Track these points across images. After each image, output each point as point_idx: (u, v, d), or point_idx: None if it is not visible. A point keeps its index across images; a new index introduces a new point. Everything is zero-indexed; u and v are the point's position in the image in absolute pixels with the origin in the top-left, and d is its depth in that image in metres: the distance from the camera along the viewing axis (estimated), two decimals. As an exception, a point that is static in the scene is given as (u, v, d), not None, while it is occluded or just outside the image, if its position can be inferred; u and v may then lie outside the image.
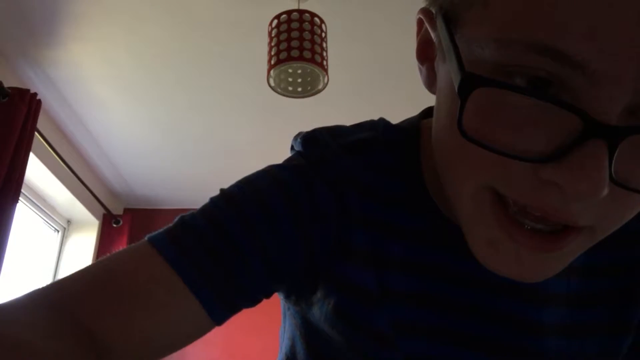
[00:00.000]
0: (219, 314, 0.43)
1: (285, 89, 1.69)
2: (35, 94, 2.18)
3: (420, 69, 0.42)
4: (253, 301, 0.46)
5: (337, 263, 0.47)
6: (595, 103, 0.28)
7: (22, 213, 2.76)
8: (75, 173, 2.76)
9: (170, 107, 2.58)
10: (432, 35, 0.39)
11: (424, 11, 0.39)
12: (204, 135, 2.82)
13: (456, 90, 0.31)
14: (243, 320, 3.78)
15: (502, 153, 0.30)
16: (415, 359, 0.47)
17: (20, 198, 2.15)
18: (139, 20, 2.01)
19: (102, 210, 3.24)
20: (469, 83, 0.30)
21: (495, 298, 0.46)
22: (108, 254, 0.43)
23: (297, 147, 0.50)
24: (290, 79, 1.70)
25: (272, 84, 1.64)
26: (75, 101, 2.50)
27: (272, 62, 1.59)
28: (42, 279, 3.01)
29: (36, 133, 2.26)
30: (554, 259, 0.35)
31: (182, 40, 2.12)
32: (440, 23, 0.35)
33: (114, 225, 3.27)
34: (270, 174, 0.47)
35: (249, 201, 0.45)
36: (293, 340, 0.56)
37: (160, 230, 0.44)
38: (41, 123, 2.33)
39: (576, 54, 0.27)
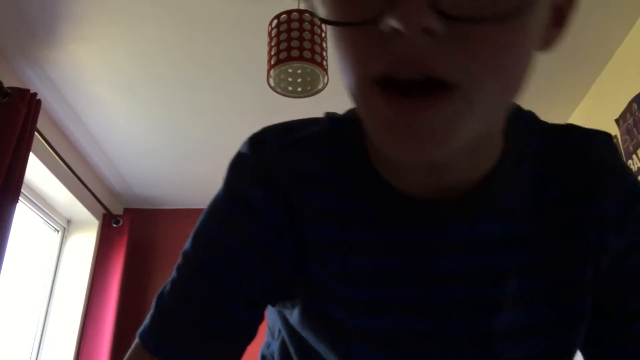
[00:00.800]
0: None
1: (285, 89, 1.69)
2: (35, 94, 2.18)
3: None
4: (249, 337, 0.49)
5: (303, 265, 0.49)
6: None
7: (22, 213, 2.76)
8: (75, 173, 2.76)
9: (170, 107, 2.58)
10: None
11: None
12: (204, 135, 2.82)
13: None
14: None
15: (347, 23, 0.34)
16: (376, 338, 0.48)
17: (20, 198, 2.15)
18: (139, 20, 2.01)
19: (102, 210, 3.24)
20: None
21: (454, 259, 0.47)
22: None
23: (244, 149, 0.51)
24: (290, 79, 1.70)
25: (272, 84, 1.64)
26: (75, 101, 2.50)
27: (272, 62, 1.59)
28: (42, 279, 3.01)
29: (36, 133, 2.26)
30: (439, 127, 0.35)
31: (182, 40, 2.12)
32: None
33: (114, 225, 3.27)
34: (215, 213, 0.50)
35: (207, 257, 0.48)
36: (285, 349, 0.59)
37: (146, 321, 0.49)
38: (41, 123, 2.33)
39: None
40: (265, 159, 0.49)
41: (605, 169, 0.49)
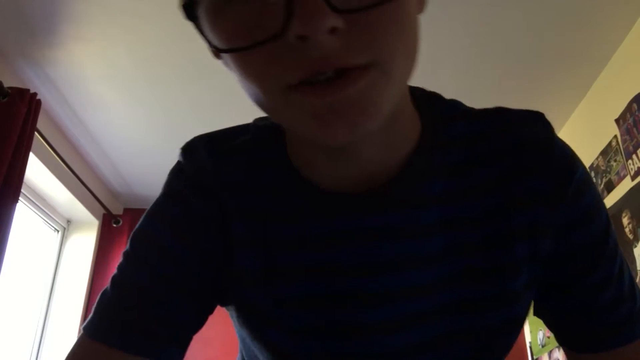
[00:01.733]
0: (169, 353, 0.49)
1: (285, 89, 1.69)
2: (35, 94, 2.18)
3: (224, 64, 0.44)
4: (194, 326, 0.52)
5: (231, 262, 0.52)
6: None
7: (22, 213, 2.76)
8: (75, 173, 2.76)
9: (170, 107, 2.58)
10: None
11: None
12: (204, 135, 2.82)
13: (185, 17, 0.37)
14: (243, 320, 3.73)
15: (258, 43, 0.35)
16: (299, 331, 0.50)
17: (20, 198, 2.15)
18: (140, 20, 2.01)
19: (102, 210, 3.24)
20: (188, 6, 0.37)
21: (377, 248, 0.49)
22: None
23: (179, 157, 0.56)
24: (290, 79, 1.70)
25: (272, 84, 1.64)
26: (75, 101, 2.50)
27: (272, 62, 1.59)
28: (42, 279, 3.01)
29: (36, 133, 2.26)
30: (363, 98, 0.37)
31: (183, 40, 2.11)
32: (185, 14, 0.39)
33: (114, 225, 3.27)
34: (152, 213, 0.55)
35: (144, 251, 0.52)
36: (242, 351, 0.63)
37: (91, 316, 0.51)
38: (41, 123, 2.33)
39: None
40: (196, 164, 0.54)
41: (536, 146, 0.50)
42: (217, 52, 0.41)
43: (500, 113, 0.52)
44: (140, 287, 0.50)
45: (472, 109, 0.53)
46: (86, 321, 0.50)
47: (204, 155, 0.53)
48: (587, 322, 0.52)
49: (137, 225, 0.55)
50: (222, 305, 0.56)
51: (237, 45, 0.36)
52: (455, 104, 0.53)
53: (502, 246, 0.49)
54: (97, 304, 0.51)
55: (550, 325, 0.56)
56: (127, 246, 0.54)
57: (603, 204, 0.53)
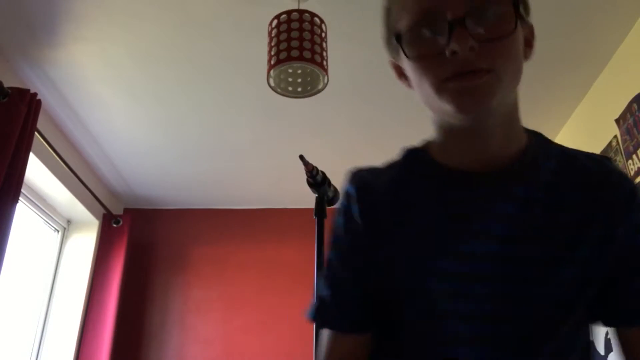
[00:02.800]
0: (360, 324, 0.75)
1: (285, 89, 1.69)
2: (35, 94, 2.18)
3: (402, 82, 0.76)
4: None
5: (391, 259, 0.73)
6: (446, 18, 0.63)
7: (22, 213, 2.76)
8: (75, 173, 2.76)
9: (170, 107, 2.58)
10: (393, 59, 0.76)
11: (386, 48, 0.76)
12: (204, 135, 2.82)
13: (394, 43, 0.69)
14: (242, 320, 3.78)
15: (435, 54, 0.64)
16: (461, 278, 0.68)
17: (20, 198, 2.15)
18: (139, 20, 2.01)
19: (102, 210, 3.24)
20: (397, 39, 0.67)
21: (497, 208, 0.69)
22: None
23: (345, 182, 0.78)
24: (290, 79, 1.70)
25: (272, 84, 1.64)
26: (75, 101, 2.50)
27: (272, 62, 1.59)
28: (42, 279, 3.01)
29: (36, 133, 2.26)
30: (483, 88, 0.63)
31: (182, 41, 2.12)
32: (389, 46, 0.74)
33: (114, 225, 3.27)
34: (334, 225, 0.77)
35: (335, 255, 0.77)
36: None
37: (322, 313, 0.76)
38: (41, 123, 2.33)
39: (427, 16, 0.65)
40: (357, 187, 0.76)
41: (614, 173, 0.74)
42: (401, 72, 0.74)
43: (582, 152, 0.76)
44: (344, 284, 0.75)
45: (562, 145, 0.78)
46: (327, 317, 0.75)
47: (363, 178, 0.78)
48: (629, 308, 0.71)
49: (332, 232, 0.79)
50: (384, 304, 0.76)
51: (423, 57, 0.65)
52: (546, 138, 0.78)
53: (580, 230, 0.68)
54: (331, 303, 0.75)
55: (602, 311, 0.72)
56: (329, 254, 0.79)
57: None
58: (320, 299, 0.76)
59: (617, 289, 0.70)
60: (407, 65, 0.69)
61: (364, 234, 0.73)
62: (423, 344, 0.70)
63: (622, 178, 0.73)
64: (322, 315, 0.76)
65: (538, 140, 0.74)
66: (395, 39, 0.67)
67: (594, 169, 0.72)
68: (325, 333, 0.75)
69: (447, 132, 0.72)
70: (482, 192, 0.69)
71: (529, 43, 0.71)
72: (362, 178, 0.77)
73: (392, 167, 0.78)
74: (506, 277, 0.66)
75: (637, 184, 0.73)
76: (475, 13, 0.62)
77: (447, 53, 0.61)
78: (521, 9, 0.67)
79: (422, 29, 0.65)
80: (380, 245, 0.71)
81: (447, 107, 0.64)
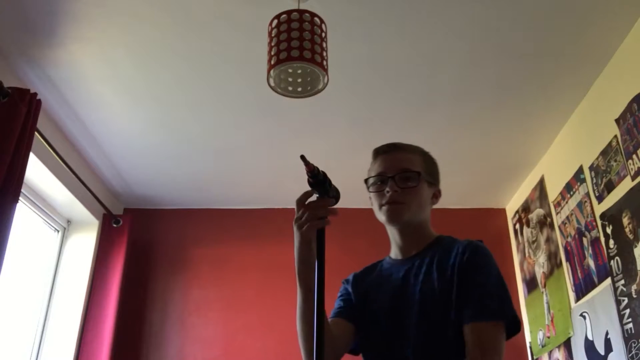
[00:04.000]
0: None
1: (285, 89, 1.69)
2: (35, 94, 2.18)
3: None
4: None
5: (363, 302, 1.38)
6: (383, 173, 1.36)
7: (22, 213, 2.76)
8: (75, 173, 2.76)
9: (170, 107, 2.58)
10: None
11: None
12: (203, 135, 2.82)
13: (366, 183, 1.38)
14: (243, 321, 3.77)
15: (380, 191, 1.32)
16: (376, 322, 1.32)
17: (20, 198, 2.15)
18: (139, 20, 2.01)
19: (102, 210, 3.24)
20: (366, 182, 1.37)
21: (402, 287, 1.29)
22: None
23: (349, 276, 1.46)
24: (290, 79, 1.70)
25: (272, 84, 1.64)
26: (75, 101, 2.50)
27: (272, 62, 1.59)
28: (42, 279, 3.01)
29: (36, 133, 2.26)
30: (399, 211, 1.28)
31: (182, 40, 2.12)
32: (365, 182, 1.39)
33: (114, 225, 3.27)
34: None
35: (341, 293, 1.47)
36: None
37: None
38: (41, 123, 2.33)
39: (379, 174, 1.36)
40: (352, 276, 1.44)
41: (459, 243, 1.28)
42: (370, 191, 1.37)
43: (457, 239, 1.32)
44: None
45: (453, 238, 1.36)
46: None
47: (353, 274, 1.44)
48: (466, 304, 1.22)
49: None
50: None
51: (375, 192, 1.33)
52: (450, 236, 1.35)
53: (447, 277, 1.23)
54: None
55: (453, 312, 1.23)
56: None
57: (490, 265, 1.25)
58: None
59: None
60: (370, 193, 1.34)
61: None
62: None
63: (461, 243, 1.28)
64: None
65: (439, 239, 1.33)
66: (365, 181, 1.34)
67: (454, 244, 1.29)
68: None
69: (391, 237, 1.37)
70: (397, 268, 1.33)
71: (435, 196, 1.37)
72: (354, 274, 1.44)
73: (374, 264, 1.43)
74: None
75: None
76: (400, 175, 1.29)
77: (385, 192, 1.28)
78: (427, 177, 1.33)
79: (377, 179, 1.32)
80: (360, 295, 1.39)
81: (383, 218, 1.30)
